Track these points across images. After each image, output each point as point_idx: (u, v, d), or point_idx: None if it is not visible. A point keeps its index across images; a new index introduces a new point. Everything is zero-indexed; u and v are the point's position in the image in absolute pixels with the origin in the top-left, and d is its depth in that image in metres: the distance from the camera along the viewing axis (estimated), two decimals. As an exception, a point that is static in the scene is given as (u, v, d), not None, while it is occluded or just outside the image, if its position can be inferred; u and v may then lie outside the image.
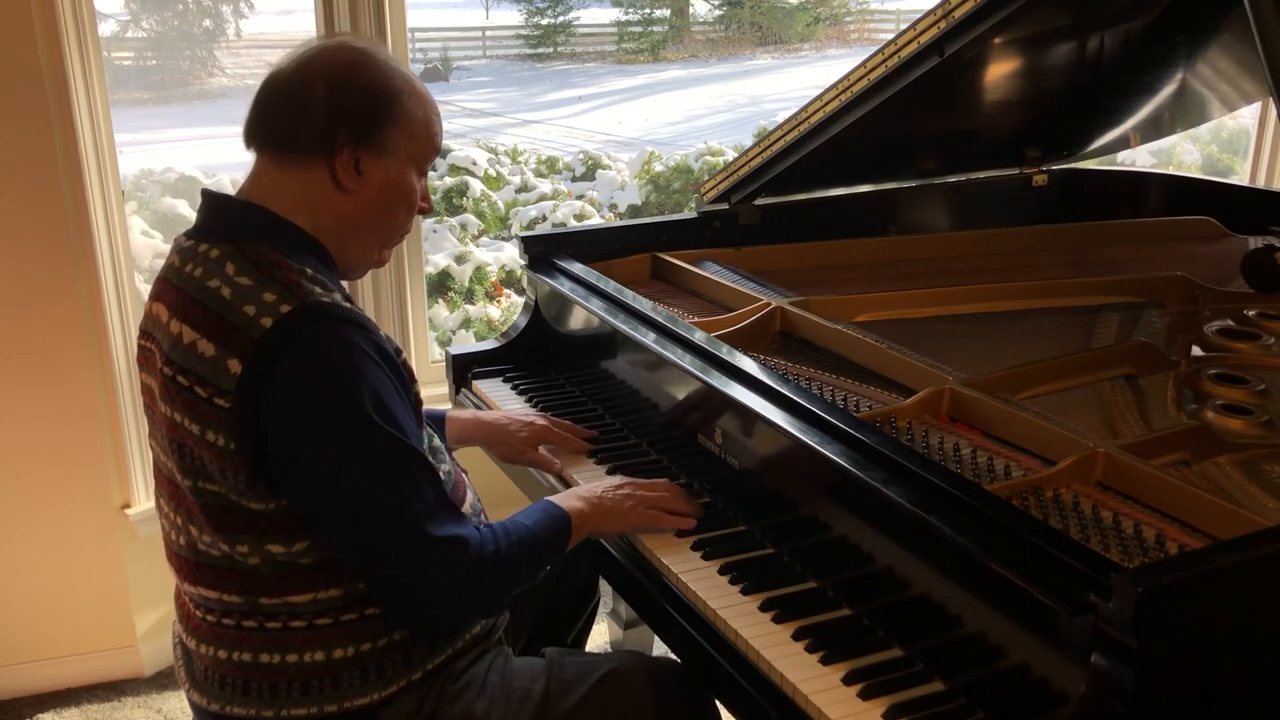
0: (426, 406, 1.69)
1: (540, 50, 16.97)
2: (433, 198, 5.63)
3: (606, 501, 1.55)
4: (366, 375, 1.29)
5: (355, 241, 1.44)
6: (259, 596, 1.35)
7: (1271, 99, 1.88)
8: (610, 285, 2.02)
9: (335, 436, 1.28)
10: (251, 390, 1.26)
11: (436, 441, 1.53)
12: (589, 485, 1.61)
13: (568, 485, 1.76)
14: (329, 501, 1.30)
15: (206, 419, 1.28)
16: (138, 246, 3.88)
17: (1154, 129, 2.64)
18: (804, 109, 2.09)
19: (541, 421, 1.86)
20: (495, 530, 1.41)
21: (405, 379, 1.37)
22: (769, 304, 1.95)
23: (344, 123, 1.36)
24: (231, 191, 1.43)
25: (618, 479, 1.63)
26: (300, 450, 1.28)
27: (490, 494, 1.67)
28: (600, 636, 2.65)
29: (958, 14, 1.80)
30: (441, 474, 1.46)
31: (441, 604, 1.37)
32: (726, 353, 1.69)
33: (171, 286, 1.37)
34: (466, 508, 1.51)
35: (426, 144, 1.44)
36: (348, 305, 1.33)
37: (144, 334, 1.43)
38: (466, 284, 4.92)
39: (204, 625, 1.40)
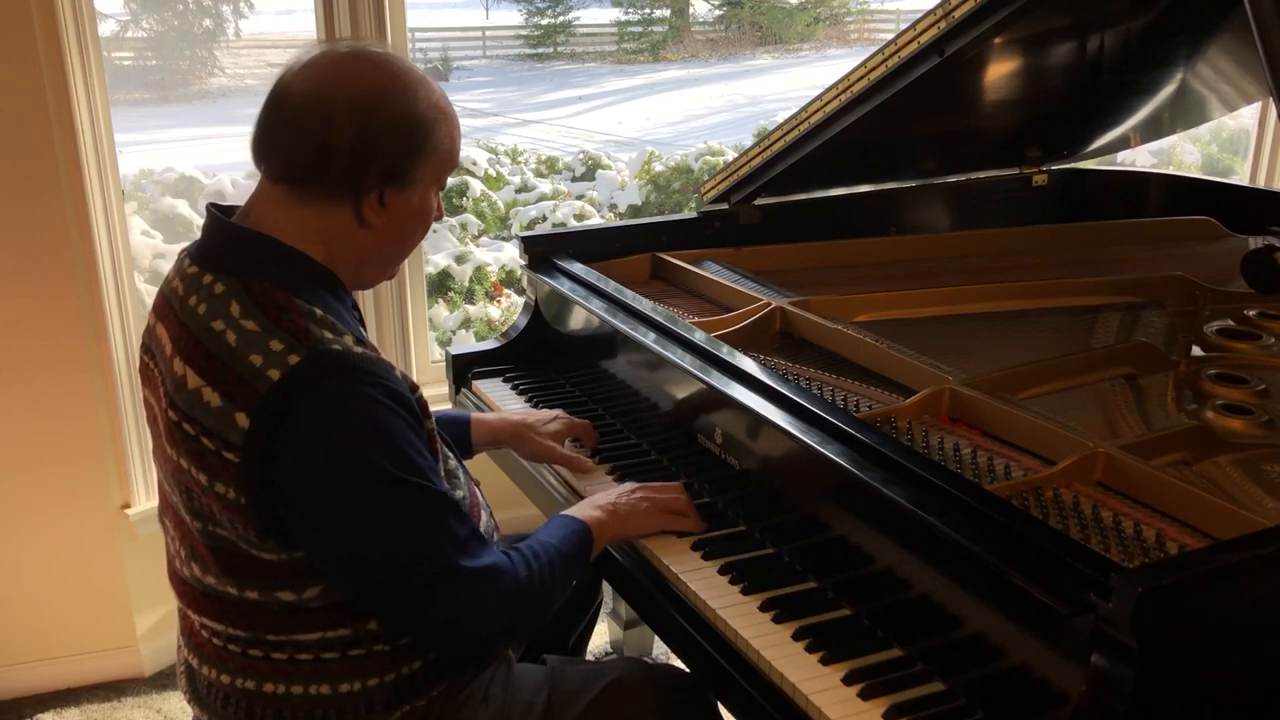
0: (449, 410, 1.67)
1: (540, 50, 16.97)
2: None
3: (622, 507, 1.55)
4: (382, 427, 1.24)
5: (371, 266, 1.40)
6: (265, 633, 1.33)
7: (1271, 99, 1.88)
8: (610, 285, 2.02)
9: (357, 495, 1.24)
10: (261, 445, 1.21)
11: (453, 463, 1.50)
12: (602, 494, 1.61)
13: (576, 491, 1.76)
14: (359, 559, 1.26)
15: (214, 471, 1.25)
16: (138, 246, 3.88)
17: (1154, 129, 2.64)
18: (804, 109, 2.09)
19: (565, 417, 1.86)
20: (524, 553, 1.39)
21: (420, 417, 1.32)
22: (769, 304, 1.95)
23: (373, 162, 1.29)
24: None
25: (629, 485, 1.63)
26: (320, 510, 1.24)
27: (493, 495, 1.67)
28: (601, 637, 2.65)
29: (958, 14, 1.80)
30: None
31: (488, 633, 1.35)
32: (726, 353, 1.69)
33: (174, 315, 1.32)
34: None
35: (449, 163, 1.39)
36: (359, 350, 1.27)
37: (145, 349, 1.39)
38: (466, 284, 4.92)
39: (209, 647, 1.38)
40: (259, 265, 1.30)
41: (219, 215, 1.36)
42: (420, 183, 1.35)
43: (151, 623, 2.72)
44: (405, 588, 1.28)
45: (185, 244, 1.43)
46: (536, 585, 1.37)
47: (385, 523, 1.25)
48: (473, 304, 4.87)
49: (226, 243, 1.34)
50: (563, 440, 1.83)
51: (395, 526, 1.25)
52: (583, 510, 1.54)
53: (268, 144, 1.31)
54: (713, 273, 2.18)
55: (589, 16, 17.16)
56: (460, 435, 1.78)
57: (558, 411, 1.88)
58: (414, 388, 1.33)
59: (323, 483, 1.23)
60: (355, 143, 1.27)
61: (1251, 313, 1.93)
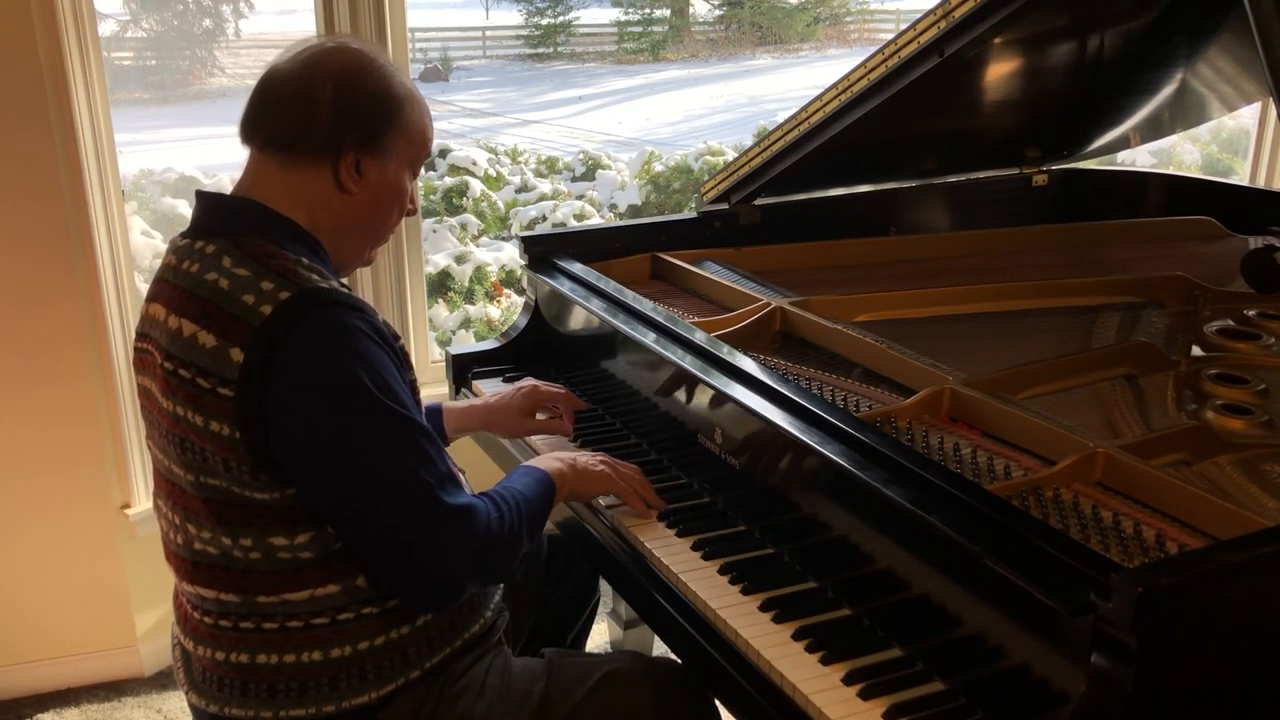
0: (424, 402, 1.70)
1: (540, 50, 16.99)
2: (433, 198, 5.66)
3: (580, 463, 1.62)
4: (367, 355, 1.30)
5: (349, 240, 1.46)
6: (256, 595, 1.35)
7: (1271, 99, 1.88)
8: (610, 285, 2.02)
9: (342, 417, 1.29)
10: (255, 377, 1.26)
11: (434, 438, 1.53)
12: (563, 451, 1.69)
13: None
14: (341, 482, 1.30)
15: (210, 409, 1.29)
16: (138, 246, 3.89)
17: (1154, 129, 2.64)
18: (804, 109, 2.09)
19: (529, 383, 1.89)
20: (494, 498, 1.44)
21: (402, 363, 1.39)
22: (769, 304, 1.95)
23: (351, 126, 1.38)
24: (229, 192, 1.43)
25: (589, 451, 1.71)
26: (308, 434, 1.29)
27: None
28: (600, 636, 2.65)
29: (958, 14, 1.80)
30: None
31: (459, 574, 1.38)
32: (726, 353, 1.69)
33: (168, 285, 1.37)
34: None
35: (422, 149, 1.48)
36: (346, 290, 1.35)
37: (141, 336, 1.43)
38: (466, 284, 4.92)
39: (201, 627, 1.40)
40: (248, 227, 1.38)
41: (208, 194, 1.44)
42: (394, 156, 1.43)
43: (151, 623, 2.72)
44: (384, 519, 1.31)
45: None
46: (507, 529, 1.42)
47: (369, 447, 1.30)
48: (473, 304, 4.88)
49: (216, 212, 1.42)
50: (533, 412, 1.86)
51: (379, 452, 1.30)
52: (545, 462, 1.60)
53: (256, 118, 1.41)
54: (713, 273, 2.18)
55: (589, 16, 17.19)
56: (433, 425, 1.80)
57: (524, 384, 1.89)
58: (396, 336, 1.39)
59: (311, 407, 1.28)
60: (334, 107, 1.37)
61: (1251, 313, 1.93)
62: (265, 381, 1.26)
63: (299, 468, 1.30)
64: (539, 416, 1.86)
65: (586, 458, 1.64)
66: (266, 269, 1.31)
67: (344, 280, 1.43)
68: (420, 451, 1.33)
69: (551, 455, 1.63)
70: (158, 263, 1.47)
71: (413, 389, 1.41)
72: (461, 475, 1.58)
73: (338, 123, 1.37)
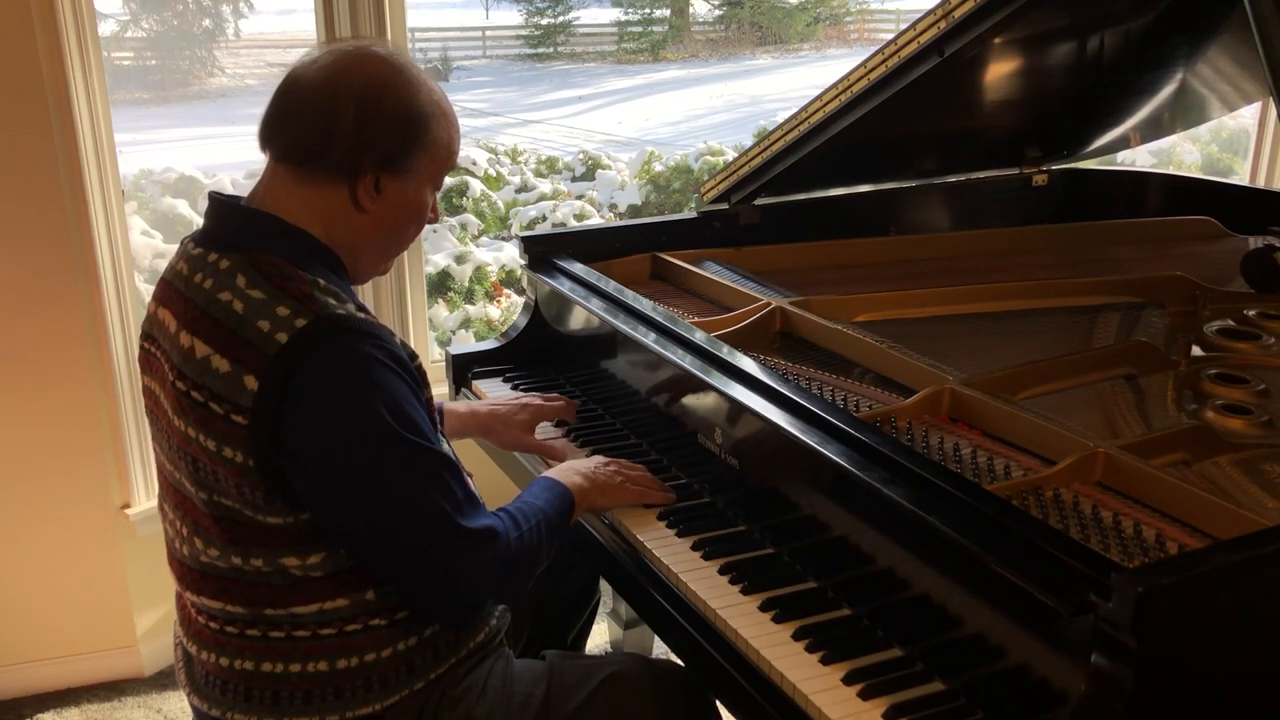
0: None
1: (540, 50, 16.99)
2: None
3: (600, 477, 1.62)
4: (385, 386, 1.28)
5: (365, 255, 1.43)
6: (264, 608, 1.34)
7: (1271, 99, 1.88)
8: (610, 285, 2.02)
9: (361, 450, 1.27)
10: (270, 406, 1.25)
11: (447, 446, 1.52)
12: (580, 461, 1.68)
13: None
14: (358, 512, 1.30)
15: (223, 435, 1.27)
16: (138, 247, 3.88)
17: (1154, 129, 2.64)
18: (804, 109, 2.09)
19: (535, 402, 1.89)
20: (514, 515, 1.44)
21: (419, 384, 1.37)
22: (769, 304, 1.95)
23: (372, 147, 1.34)
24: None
25: (601, 458, 1.70)
26: (326, 465, 1.28)
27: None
28: (600, 636, 2.65)
29: (958, 14, 1.80)
30: None
31: (480, 592, 1.40)
32: (726, 353, 1.69)
33: (179, 294, 1.35)
34: None
35: (446, 163, 1.44)
36: (362, 316, 1.32)
37: (146, 336, 1.42)
38: (466, 284, 4.92)
39: (206, 632, 1.39)
40: (263, 240, 1.35)
41: (221, 199, 1.41)
42: (416, 175, 1.40)
43: (151, 623, 2.72)
44: (404, 546, 1.32)
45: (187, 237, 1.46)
46: (527, 548, 1.42)
47: (388, 478, 1.29)
48: (473, 304, 4.87)
49: (230, 222, 1.39)
50: (533, 429, 1.85)
51: (397, 482, 1.29)
52: (566, 476, 1.59)
53: (275, 125, 1.37)
54: (713, 273, 2.18)
55: (589, 16, 17.19)
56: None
57: (526, 399, 1.89)
58: (413, 355, 1.38)
59: (328, 438, 1.27)
60: (356, 127, 1.33)
61: (1251, 313, 1.93)
62: (280, 411, 1.25)
63: (315, 497, 1.29)
64: (538, 433, 1.86)
65: (602, 469, 1.64)
66: (283, 292, 1.28)
67: (358, 293, 1.42)
68: (439, 480, 1.32)
69: (570, 469, 1.62)
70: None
71: (429, 408, 1.39)
72: (470, 480, 1.58)
73: (358, 143, 1.33)
